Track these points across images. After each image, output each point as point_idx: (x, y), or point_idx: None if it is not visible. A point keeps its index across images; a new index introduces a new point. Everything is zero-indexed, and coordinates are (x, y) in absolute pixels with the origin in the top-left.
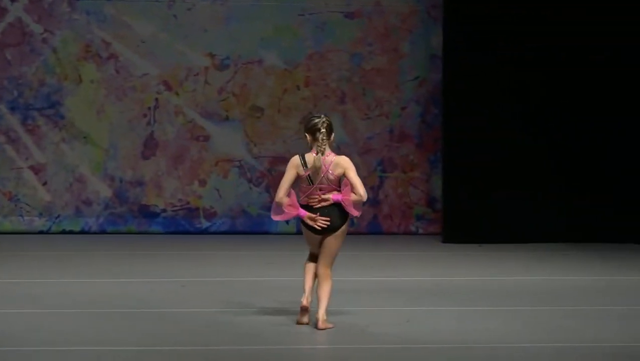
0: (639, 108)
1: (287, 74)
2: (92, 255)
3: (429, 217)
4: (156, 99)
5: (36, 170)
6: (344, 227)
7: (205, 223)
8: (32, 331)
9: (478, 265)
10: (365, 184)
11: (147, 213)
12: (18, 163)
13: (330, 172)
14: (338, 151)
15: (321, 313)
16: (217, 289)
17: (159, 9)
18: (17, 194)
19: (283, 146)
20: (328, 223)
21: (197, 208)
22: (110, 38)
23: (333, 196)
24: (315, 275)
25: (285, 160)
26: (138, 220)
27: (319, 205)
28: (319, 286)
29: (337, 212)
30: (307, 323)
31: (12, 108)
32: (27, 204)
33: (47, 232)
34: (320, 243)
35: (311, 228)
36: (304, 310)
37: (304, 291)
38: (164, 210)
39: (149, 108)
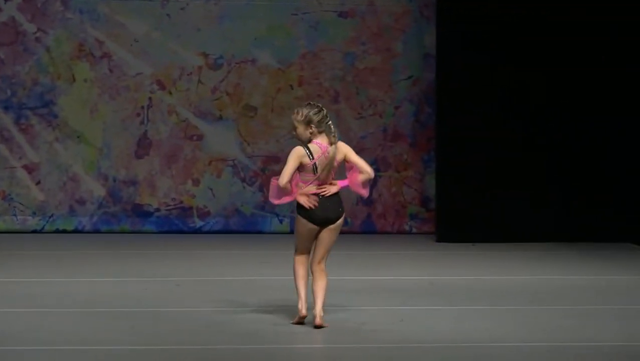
0: (635, 107)
1: (281, 73)
2: (86, 255)
3: (423, 216)
4: (149, 98)
5: (30, 169)
6: (341, 220)
7: (198, 223)
8: (26, 331)
9: (472, 264)
10: None
11: (140, 213)
12: (11, 163)
13: (336, 159)
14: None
15: (318, 310)
16: (211, 288)
17: (152, 8)
18: (10, 193)
19: (276, 145)
20: (316, 204)
21: (191, 208)
22: (103, 37)
23: (339, 182)
24: (307, 274)
25: (278, 160)
26: (132, 219)
27: (327, 194)
28: (315, 282)
29: (338, 202)
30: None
31: (6, 108)
32: (20, 203)
33: (40, 231)
34: (315, 237)
35: (312, 220)
36: (303, 318)
37: (299, 298)
38: (158, 210)
39: (143, 107)
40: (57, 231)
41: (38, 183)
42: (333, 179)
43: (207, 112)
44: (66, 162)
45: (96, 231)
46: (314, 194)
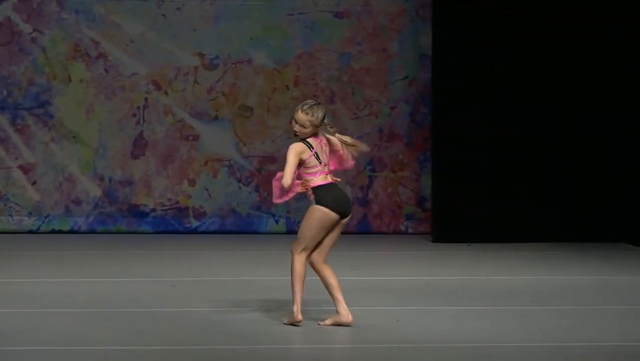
0: (633, 108)
1: (277, 74)
2: (82, 255)
3: (419, 217)
4: (145, 99)
5: (25, 169)
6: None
7: (194, 223)
8: (22, 331)
9: (468, 264)
10: (354, 184)
11: (136, 213)
12: (7, 163)
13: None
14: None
15: (345, 306)
16: (208, 288)
17: (148, 9)
18: (6, 194)
19: (272, 145)
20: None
21: (187, 208)
22: (99, 37)
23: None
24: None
25: (274, 160)
26: (127, 219)
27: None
28: (331, 278)
29: (349, 193)
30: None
31: (1, 108)
32: (16, 204)
33: (36, 232)
34: (332, 230)
35: (337, 208)
36: (299, 322)
37: (295, 301)
38: (154, 210)
39: (138, 107)
40: (53, 231)
41: (34, 183)
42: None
43: (203, 112)
44: (62, 162)
45: (92, 231)
46: (331, 184)
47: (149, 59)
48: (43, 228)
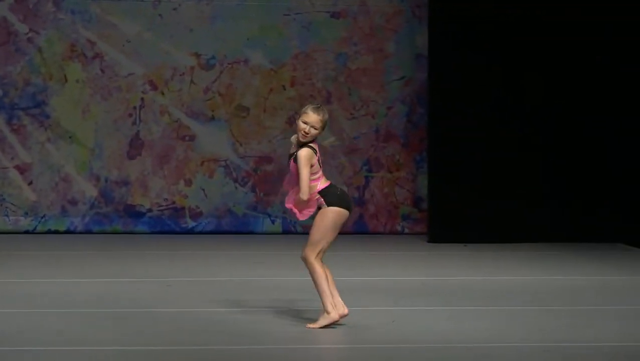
0: (630, 108)
1: (273, 74)
2: (78, 255)
3: (415, 217)
4: (142, 99)
5: (22, 169)
6: None
7: (191, 223)
8: (21, 331)
9: (464, 264)
10: (351, 184)
11: (132, 213)
12: (3, 163)
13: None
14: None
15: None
16: (204, 289)
17: (144, 9)
18: (2, 194)
19: (269, 146)
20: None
21: (183, 208)
22: (95, 37)
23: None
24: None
25: (270, 160)
26: (124, 219)
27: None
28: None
29: None
30: None
31: None
32: (12, 204)
33: (32, 232)
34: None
35: (348, 207)
36: (345, 315)
37: (328, 303)
38: (150, 210)
39: (135, 107)
40: (49, 231)
41: (30, 183)
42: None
43: (200, 113)
44: (58, 163)
45: (88, 232)
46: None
47: (145, 59)
48: (39, 228)
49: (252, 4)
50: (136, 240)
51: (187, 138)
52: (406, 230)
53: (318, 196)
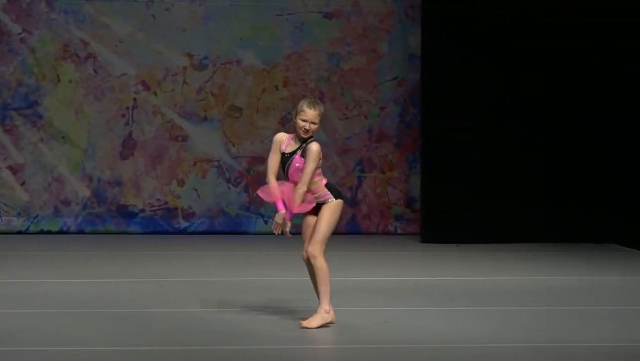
0: (624, 109)
1: (266, 74)
2: (71, 255)
3: (408, 217)
4: (134, 99)
5: (14, 170)
6: None
7: (183, 223)
8: (12, 332)
9: (457, 265)
10: (344, 184)
11: (125, 213)
12: None
13: None
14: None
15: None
16: (198, 289)
17: (137, 9)
18: None
19: (261, 146)
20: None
21: (176, 208)
22: (88, 38)
23: None
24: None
25: (263, 160)
26: (116, 220)
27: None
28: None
29: None
30: None
31: None
32: (5, 204)
33: (25, 232)
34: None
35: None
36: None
37: (329, 302)
38: (143, 210)
39: (127, 108)
40: (42, 232)
41: (23, 184)
42: None
43: (192, 113)
44: (51, 163)
45: (81, 232)
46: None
47: (138, 60)
48: (32, 228)
49: (245, 5)
50: (129, 240)
51: (179, 138)
52: (399, 231)
53: (319, 193)
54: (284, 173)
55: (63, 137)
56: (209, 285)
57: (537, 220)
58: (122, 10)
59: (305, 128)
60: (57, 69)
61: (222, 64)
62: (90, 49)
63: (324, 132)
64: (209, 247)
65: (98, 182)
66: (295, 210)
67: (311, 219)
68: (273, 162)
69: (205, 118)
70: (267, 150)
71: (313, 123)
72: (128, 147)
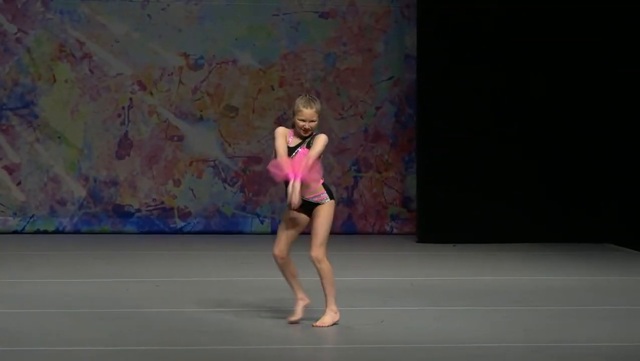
0: (620, 109)
1: (262, 74)
2: (67, 255)
3: (404, 217)
4: (130, 99)
5: (10, 170)
6: None
7: (179, 223)
8: (9, 332)
9: (453, 265)
10: (340, 184)
11: (121, 213)
12: None
13: None
14: None
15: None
16: (192, 289)
17: (133, 9)
18: None
19: (257, 146)
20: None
21: (172, 208)
22: (84, 38)
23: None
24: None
25: (259, 160)
26: (112, 219)
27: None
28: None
29: None
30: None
31: None
32: (1, 204)
33: (21, 232)
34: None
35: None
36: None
37: (335, 301)
38: (139, 210)
39: (123, 108)
40: (38, 232)
41: (19, 183)
42: None
43: (188, 113)
44: (47, 163)
45: (77, 232)
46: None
47: (133, 59)
48: (28, 228)
49: (241, 4)
50: (125, 240)
51: (175, 138)
52: (395, 231)
53: (316, 192)
54: None
55: (59, 137)
56: (205, 284)
57: (532, 220)
58: (117, 10)
59: (305, 128)
60: (53, 69)
61: (218, 63)
62: (86, 48)
63: (320, 131)
64: (205, 246)
65: (94, 181)
66: (304, 176)
67: (295, 215)
68: (281, 147)
69: (201, 118)
70: (263, 150)
71: (312, 121)
72: (124, 146)
